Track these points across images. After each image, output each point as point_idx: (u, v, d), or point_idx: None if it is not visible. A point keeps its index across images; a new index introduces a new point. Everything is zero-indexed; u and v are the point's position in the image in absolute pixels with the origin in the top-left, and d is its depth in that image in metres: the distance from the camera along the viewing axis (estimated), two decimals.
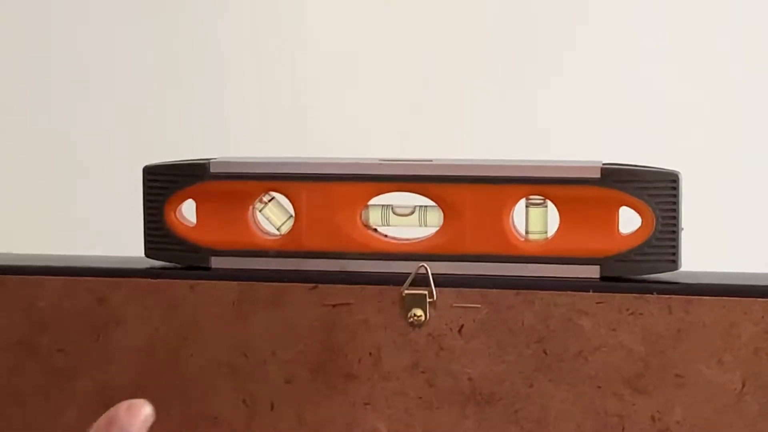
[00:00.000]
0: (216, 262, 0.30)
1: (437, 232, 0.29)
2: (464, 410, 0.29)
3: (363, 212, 0.30)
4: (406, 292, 0.28)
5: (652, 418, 0.27)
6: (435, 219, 0.29)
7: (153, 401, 0.23)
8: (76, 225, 0.40)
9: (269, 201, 0.30)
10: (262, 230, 0.30)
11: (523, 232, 0.29)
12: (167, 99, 0.56)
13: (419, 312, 0.28)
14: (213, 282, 0.30)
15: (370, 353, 0.28)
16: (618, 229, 0.28)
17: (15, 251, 0.36)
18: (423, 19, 0.56)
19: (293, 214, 0.30)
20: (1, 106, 0.62)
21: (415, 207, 0.29)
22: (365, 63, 0.55)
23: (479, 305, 0.28)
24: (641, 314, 0.27)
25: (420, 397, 0.29)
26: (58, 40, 0.62)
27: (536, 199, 0.28)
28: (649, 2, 0.59)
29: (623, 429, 0.28)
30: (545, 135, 0.52)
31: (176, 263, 0.31)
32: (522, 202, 0.29)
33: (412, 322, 0.28)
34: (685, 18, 0.59)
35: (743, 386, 0.27)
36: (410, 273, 0.28)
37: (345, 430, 0.28)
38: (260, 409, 0.30)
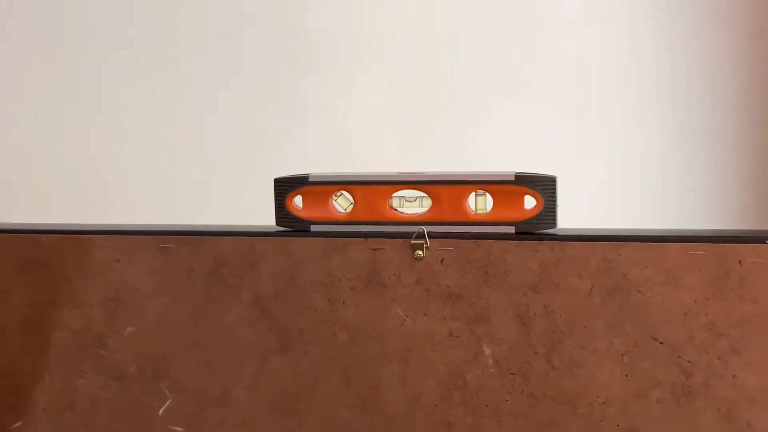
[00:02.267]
0: (313, 228, 0.48)
1: (428, 210, 0.47)
2: (444, 304, 0.46)
3: (389, 200, 0.48)
4: (413, 242, 0.46)
5: (543, 306, 0.44)
6: (427, 203, 0.47)
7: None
8: (241, 211, 0.58)
9: (339, 195, 0.48)
10: (336, 211, 0.48)
11: (474, 210, 0.46)
12: (288, 138, 0.75)
13: (420, 252, 0.45)
14: (311, 238, 0.48)
15: (394, 274, 0.46)
16: (524, 207, 0.45)
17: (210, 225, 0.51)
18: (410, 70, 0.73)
19: (353, 202, 0.48)
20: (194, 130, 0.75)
21: (416, 197, 0.47)
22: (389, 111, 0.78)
23: (451, 248, 0.45)
24: (537, 251, 0.44)
25: (421, 297, 0.46)
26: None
27: (480, 192, 0.46)
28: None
29: (528, 310, 0.45)
30: (485, 156, 0.70)
31: (292, 228, 0.49)
32: (473, 193, 0.46)
33: (416, 257, 0.45)
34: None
35: (591, 288, 0.43)
36: (414, 232, 0.46)
37: (381, 315, 0.46)
38: (338, 306, 0.47)
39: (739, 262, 0.42)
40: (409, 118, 0.69)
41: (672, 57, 0.72)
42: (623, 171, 0.68)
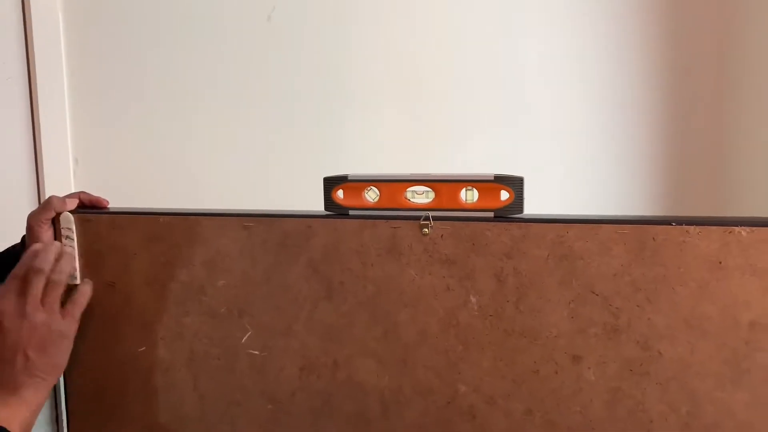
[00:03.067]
0: (351, 212, 0.58)
1: (432, 200, 0.56)
2: (443, 267, 0.55)
3: (405, 193, 0.57)
4: (421, 222, 0.55)
5: (513, 268, 0.53)
6: (431, 195, 0.56)
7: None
8: (301, 200, 0.65)
9: (369, 189, 0.57)
10: (367, 200, 0.57)
11: (465, 200, 0.56)
12: (335, 150, 0.86)
13: (426, 230, 0.55)
14: (349, 220, 0.57)
15: (408, 245, 0.56)
16: (500, 198, 0.55)
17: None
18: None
19: (379, 194, 0.57)
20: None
21: (424, 191, 0.57)
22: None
23: (448, 227, 0.55)
24: (509, 230, 0.54)
25: (426, 262, 0.56)
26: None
27: (469, 187, 0.55)
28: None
29: (502, 271, 0.54)
30: (474, 163, 0.80)
31: (336, 213, 0.58)
32: (464, 189, 0.56)
33: (423, 234, 0.55)
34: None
35: (548, 256, 0.53)
36: (422, 216, 0.56)
37: (398, 274, 0.56)
38: (368, 267, 0.57)
39: (653, 238, 0.51)
40: (419, 136, 0.82)
41: (618, 67, 0.83)
42: (572, 172, 0.82)
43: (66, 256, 0.56)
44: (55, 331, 0.54)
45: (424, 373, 0.57)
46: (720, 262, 0.51)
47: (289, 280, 0.59)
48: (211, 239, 0.60)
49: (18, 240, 0.62)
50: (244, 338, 0.60)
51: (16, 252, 0.60)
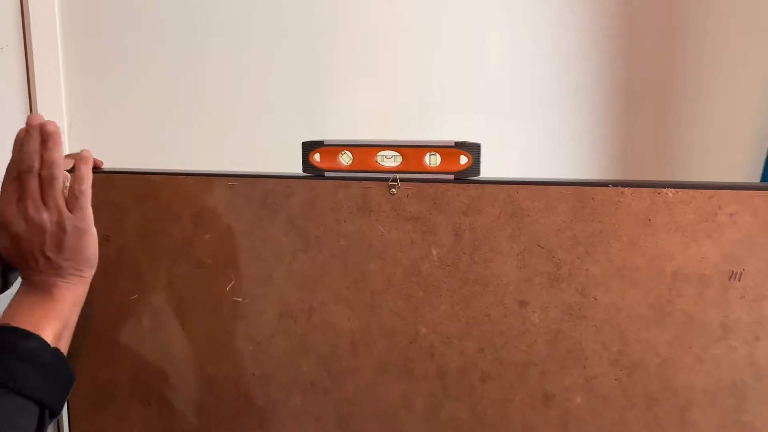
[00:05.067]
0: (327, 174, 0.61)
1: (400, 164, 0.60)
2: (408, 223, 0.60)
3: (375, 157, 0.61)
4: (389, 183, 0.60)
5: (469, 224, 0.58)
6: (399, 159, 0.60)
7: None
8: (281, 162, 0.68)
9: (344, 153, 0.61)
10: (341, 164, 0.61)
11: (429, 164, 0.60)
12: (314, 118, 0.88)
13: (394, 190, 0.60)
14: (325, 180, 0.61)
15: (377, 204, 0.60)
16: (460, 162, 0.59)
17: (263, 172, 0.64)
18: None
19: (352, 158, 0.61)
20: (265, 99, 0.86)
21: (392, 155, 0.60)
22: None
23: (413, 188, 0.60)
24: (466, 190, 0.58)
25: (394, 218, 0.60)
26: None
27: (433, 152, 0.59)
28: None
29: (460, 226, 0.58)
30: (438, 130, 0.85)
31: (313, 174, 0.62)
32: (428, 153, 0.60)
33: (391, 193, 0.60)
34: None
35: (500, 213, 0.58)
36: (391, 177, 0.60)
37: (368, 229, 0.60)
38: (341, 223, 0.61)
39: (592, 198, 0.57)
40: (391, 107, 0.87)
41: (575, 49, 0.89)
42: (532, 142, 0.89)
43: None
44: (65, 226, 0.50)
45: (389, 317, 0.62)
46: (649, 219, 0.57)
47: (270, 234, 0.64)
48: (198, 197, 0.64)
49: None
50: (228, 287, 0.65)
51: None
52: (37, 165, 0.49)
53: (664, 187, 0.57)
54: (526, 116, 0.88)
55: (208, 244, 0.65)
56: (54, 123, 0.49)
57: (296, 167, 0.64)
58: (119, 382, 0.68)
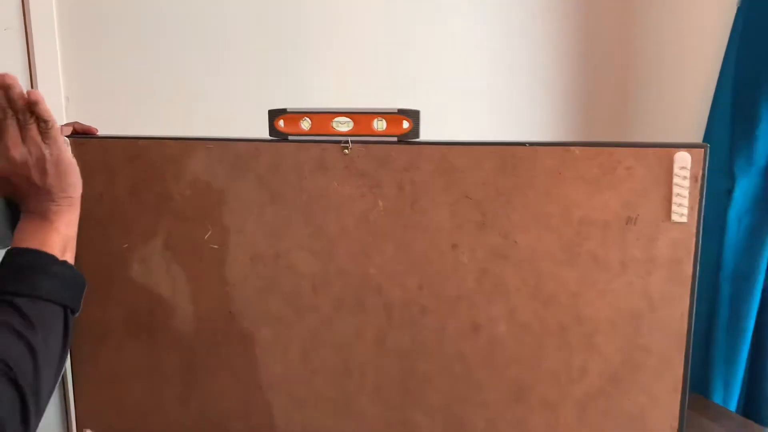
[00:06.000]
0: (290, 138, 0.69)
1: (352, 128, 0.68)
2: (359, 179, 0.68)
3: (331, 123, 0.69)
4: (342, 145, 0.69)
5: (410, 179, 0.66)
6: (351, 125, 0.69)
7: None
8: (250, 128, 0.73)
9: (304, 120, 0.69)
10: (302, 128, 0.69)
11: (376, 128, 0.68)
12: (278, 87, 0.99)
13: (346, 151, 0.68)
14: (288, 143, 0.69)
15: (333, 163, 0.68)
16: (402, 127, 0.68)
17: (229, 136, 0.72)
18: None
19: (311, 123, 0.69)
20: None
21: (345, 121, 0.69)
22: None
23: (363, 149, 0.68)
24: (407, 151, 0.67)
25: (347, 175, 0.68)
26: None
27: (380, 119, 0.68)
28: None
29: (402, 180, 0.67)
30: (384, 99, 0.96)
31: (278, 138, 0.69)
32: (376, 119, 0.68)
33: (344, 153, 0.68)
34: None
35: (434, 169, 0.66)
36: (343, 140, 0.69)
37: (326, 185, 0.68)
38: (303, 179, 0.69)
39: (513, 155, 0.66)
40: (350, 83, 0.98)
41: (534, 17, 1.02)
42: (495, 106, 1.00)
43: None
44: (43, 157, 0.57)
45: (343, 260, 0.72)
46: (560, 173, 0.66)
47: (241, 190, 0.72)
48: (180, 158, 0.73)
49: None
50: (206, 236, 0.74)
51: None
52: (9, 112, 0.57)
53: (572, 145, 0.67)
54: (491, 80, 1.00)
55: (188, 199, 0.73)
56: (9, 75, 0.58)
57: (263, 132, 0.72)
58: (113, 320, 0.77)
